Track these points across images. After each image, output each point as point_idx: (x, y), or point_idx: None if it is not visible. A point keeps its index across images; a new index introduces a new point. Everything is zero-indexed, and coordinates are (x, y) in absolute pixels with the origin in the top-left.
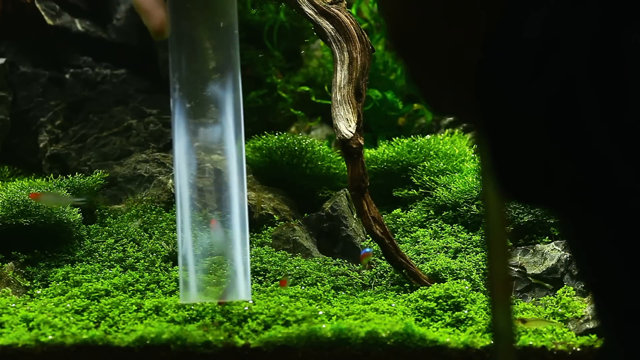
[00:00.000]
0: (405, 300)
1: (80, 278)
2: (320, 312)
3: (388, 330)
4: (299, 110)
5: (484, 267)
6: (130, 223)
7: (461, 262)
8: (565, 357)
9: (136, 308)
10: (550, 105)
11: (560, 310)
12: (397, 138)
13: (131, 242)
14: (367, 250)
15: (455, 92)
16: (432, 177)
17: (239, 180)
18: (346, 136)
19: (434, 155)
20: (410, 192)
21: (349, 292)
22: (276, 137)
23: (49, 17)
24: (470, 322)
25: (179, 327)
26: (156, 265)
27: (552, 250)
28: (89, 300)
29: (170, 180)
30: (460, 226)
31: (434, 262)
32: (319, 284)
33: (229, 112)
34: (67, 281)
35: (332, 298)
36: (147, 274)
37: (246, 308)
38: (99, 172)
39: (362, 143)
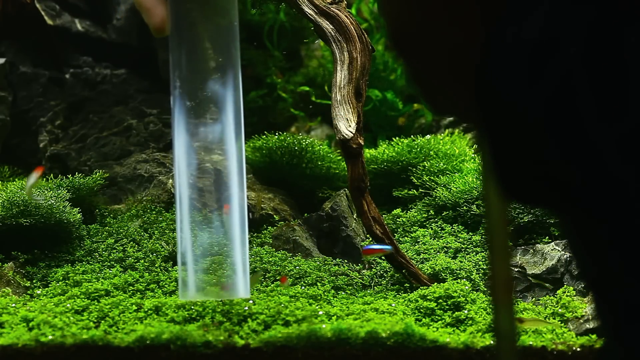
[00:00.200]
0: (405, 300)
1: (80, 278)
2: (320, 312)
3: (388, 330)
4: (299, 110)
5: (484, 267)
6: (130, 223)
7: (461, 262)
8: (565, 357)
9: (136, 308)
10: (549, 105)
11: (560, 310)
12: (397, 138)
13: (131, 242)
14: (386, 247)
15: (455, 92)
16: (432, 177)
17: (239, 180)
18: (346, 136)
19: (434, 155)
20: (410, 192)
21: (349, 292)
22: (276, 137)
23: (49, 17)
24: (470, 322)
25: (179, 327)
26: (156, 265)
27: (552, 250)
28: (89, 300)
29: (170, 180)
30: (460, 226)
31: (434, 262)
32: (319, 284)
33: (229, 112)
34: (67, 281)
35: (332, 298)
36: (147, 274)
37: (246, 308)
38: (99, 172)
39: (362, 143)
